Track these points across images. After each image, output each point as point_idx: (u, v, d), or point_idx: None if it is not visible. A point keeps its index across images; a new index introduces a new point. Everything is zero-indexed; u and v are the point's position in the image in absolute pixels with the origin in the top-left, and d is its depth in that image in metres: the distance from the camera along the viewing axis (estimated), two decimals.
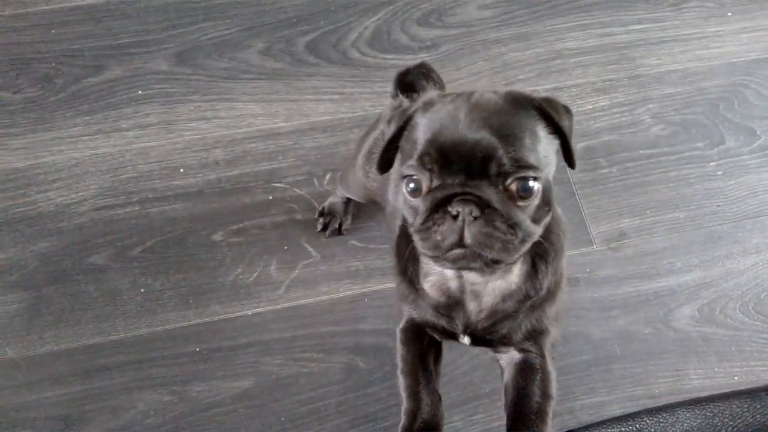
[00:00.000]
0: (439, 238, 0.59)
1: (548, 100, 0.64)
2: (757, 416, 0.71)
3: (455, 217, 0.58)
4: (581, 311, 1.30)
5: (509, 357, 0.77)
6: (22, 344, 1.21)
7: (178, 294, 1.26)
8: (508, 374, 0.77)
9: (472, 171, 0.58)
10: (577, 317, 1.29)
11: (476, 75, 1.51)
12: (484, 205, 0.58)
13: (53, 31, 1.49)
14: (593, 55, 1.56)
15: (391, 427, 1.19)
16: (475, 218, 0.58)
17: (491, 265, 0.62)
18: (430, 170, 0.59)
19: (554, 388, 0.75)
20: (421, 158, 0.60)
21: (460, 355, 1.24)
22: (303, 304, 1.27)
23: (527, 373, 0.75)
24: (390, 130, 0.67)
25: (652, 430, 0.74)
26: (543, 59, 1.54)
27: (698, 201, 1.43)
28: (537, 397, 0.74)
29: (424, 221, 0.60)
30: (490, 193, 0.58)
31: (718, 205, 1.43)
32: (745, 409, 0.72)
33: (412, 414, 0.74)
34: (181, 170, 1.36)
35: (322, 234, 1.31)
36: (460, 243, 0.58)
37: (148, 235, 1.30)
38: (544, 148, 0.62)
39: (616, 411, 1.22)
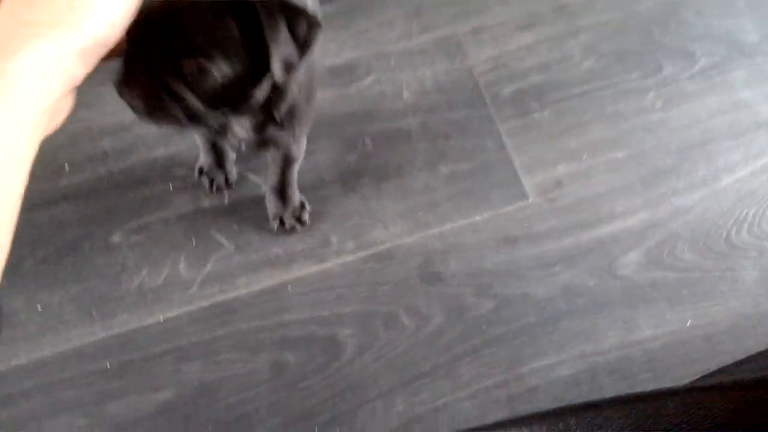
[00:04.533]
0: None
1: None
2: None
3: None
4: (523, 271, 1.21)
5: None
6: None
7: (80, 307, 1.14)
8: None
9: None
10: (518, 278, 1.20)
11: (389, 24, 1.37)
12: None
13: None
14: None
15: (329, 420, 1.10)
16: None
17: None
18: None
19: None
20: None
21: (397, 334, 1.15)
22: (220, 301, 1.15)
23: None
24: None
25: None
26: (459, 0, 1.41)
27: (638, 136, 1.33)
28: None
29: None
30: None
31: (660, 139, 1.33)
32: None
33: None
34: (67, 168, 1.21)
35: (214, 195, 1.21)
36: None
37: (38, 245, 1.17)
38: None
39: (566, 371, 1.15)
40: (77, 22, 0.46)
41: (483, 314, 1.18)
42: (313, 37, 0.70)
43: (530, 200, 1.26)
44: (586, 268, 1.22)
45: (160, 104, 0.67)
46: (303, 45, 0.69)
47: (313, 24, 0.69)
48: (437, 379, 1.14)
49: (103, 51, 0.48)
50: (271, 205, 1.17)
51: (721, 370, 1.05)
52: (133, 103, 0.66)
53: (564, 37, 1.40)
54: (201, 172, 1.20)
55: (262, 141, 0.93)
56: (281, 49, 0.67)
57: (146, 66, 0.65)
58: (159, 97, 0.67)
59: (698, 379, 1.01)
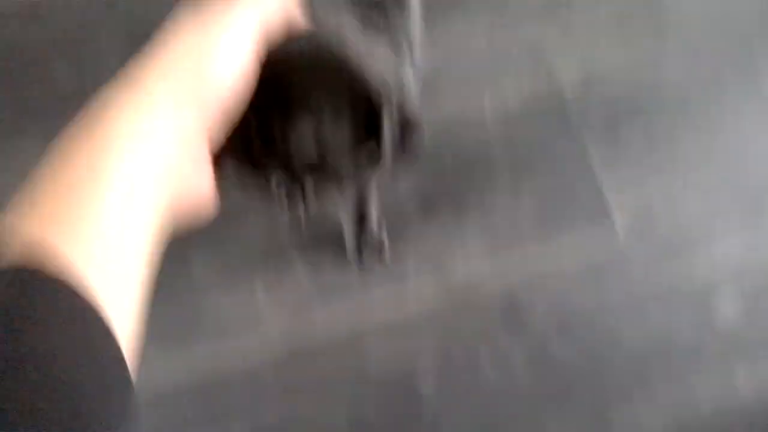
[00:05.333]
0: None
1: None
2: None
3: None
4: (610, 311, 1.13)
5: None
6: None
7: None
8: None
9: None
10: (605, 319, 1.13)
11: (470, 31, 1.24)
12: None
13: None
14: None
15: None
16: None
17: None
18: None
19: None
20: None
21: (478, 381, 1.10)
22: (298, 347, 1.09)
23: None
24: None
25: None
26: None
27: (734, 154, 1.21)
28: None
29: None
30: None
31: (759, 158, 1.22)
32: None
33: None
34: None
35: (291, 214, 1.13)
36: None
37: None
38: None
39: (656, 422, 1.09)
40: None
41: (567, 360, 1.11)
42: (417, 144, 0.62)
43: (617, 225, 1.16)
44: (678, 308, 1.14)
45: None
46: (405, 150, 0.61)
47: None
48: (518, 429, 1.09)
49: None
50: (349, 239, 1.10)
51: None
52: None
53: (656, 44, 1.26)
54: (277, 186, 1.11)
55: None
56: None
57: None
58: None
59: None
